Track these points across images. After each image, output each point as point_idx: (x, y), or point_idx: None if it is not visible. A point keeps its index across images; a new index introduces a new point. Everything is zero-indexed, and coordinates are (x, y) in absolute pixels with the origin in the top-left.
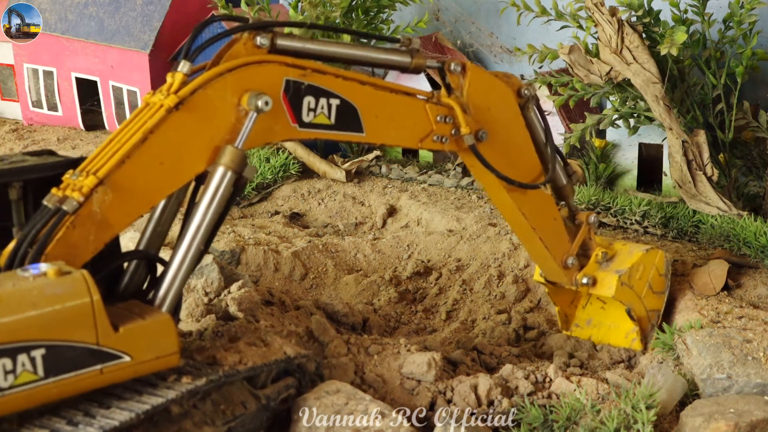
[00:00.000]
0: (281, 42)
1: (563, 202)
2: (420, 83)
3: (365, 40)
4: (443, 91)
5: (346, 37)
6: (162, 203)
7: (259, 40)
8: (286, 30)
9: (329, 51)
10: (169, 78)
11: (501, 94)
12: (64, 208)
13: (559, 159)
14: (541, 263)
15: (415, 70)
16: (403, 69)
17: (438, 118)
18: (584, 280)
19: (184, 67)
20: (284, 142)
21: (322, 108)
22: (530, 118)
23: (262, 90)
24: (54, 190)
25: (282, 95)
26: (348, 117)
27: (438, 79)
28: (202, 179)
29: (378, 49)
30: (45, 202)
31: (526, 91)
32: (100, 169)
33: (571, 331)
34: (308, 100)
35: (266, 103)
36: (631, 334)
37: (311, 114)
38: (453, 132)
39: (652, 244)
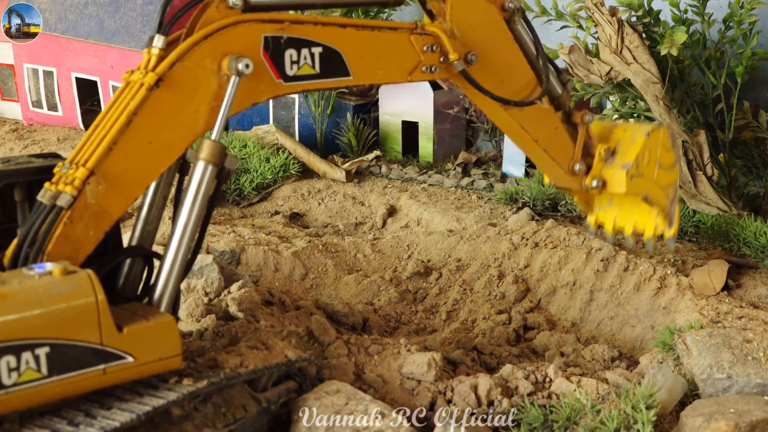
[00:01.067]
0: None
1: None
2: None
3: None
4: (426, 18)
5: None
6: (148, 200)
7: (231, 0)
8: None
9: None
10: (145, 54)
11: (485, 12)
12: (59, 204)
13: (552, 68)
14: (548, 173)
15: (396, 3)
16: (384, 4)
17: (425, 48)
18: (593, 183)
19: (158, 41)
20: (284, 138)
21: (305, 58)
22: (518, 32)
23: (240, 52)
24: (47, 185)
25: (262, 53)
26: (333, 63)
27: None
28: (185, 171)
29: None
30: (39, 198)
31: (510, 4)
32: (90, 159)
33: (595, 215)
34: (290, 53)
35: (246, 66)
36: (654, 210)
37: (295, 66)
38: (441, 60)
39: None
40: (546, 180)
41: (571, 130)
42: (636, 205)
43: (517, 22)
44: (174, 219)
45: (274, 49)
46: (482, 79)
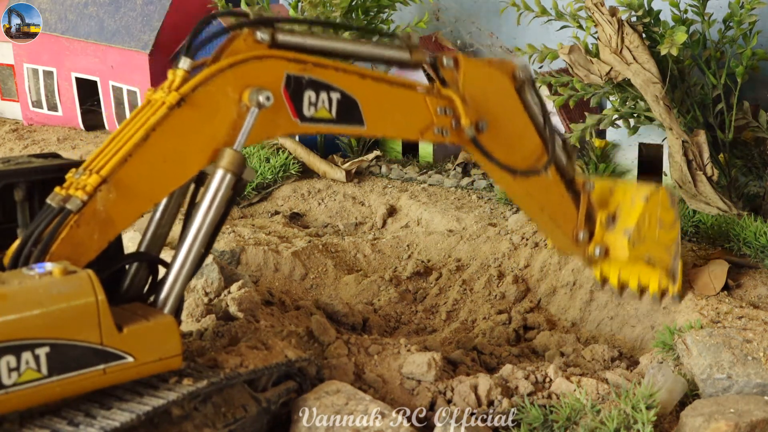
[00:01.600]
0: (281, 37)
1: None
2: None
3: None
4: (438, 84)
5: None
6: (162, 205)
7: (259, 35)
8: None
9: (329, 46)
10: (170, 75)
11: (496, 82)
12: (68, 207)
13: (558, 137)
14: (554, 239)
15: (416, 65)
16: (403, 64)
17: (438, 110)
18: (597, 252)
19: (185, 63)
20: (284, 138)
21: (323, 102)
22: (527, 101)
23: (262, 85)
24: (57, 189)
25: (283, 90)
26: (349, 110)
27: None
28: (201, 181)
29: (378, 45)
30: (49, 201)
31: (520, 74)
32: (104, 168)
33: (599, 269)
34: (309, 95)
35: (267, 99)
36: (656, 267)
37: (312, 108)
38: (453, 124)
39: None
40: (549, 245)
41: (574, 197)
42: (639, 262)
43: (527, 92)
44: (186, 224)
45: (295, 87)
46: (491, 146)
